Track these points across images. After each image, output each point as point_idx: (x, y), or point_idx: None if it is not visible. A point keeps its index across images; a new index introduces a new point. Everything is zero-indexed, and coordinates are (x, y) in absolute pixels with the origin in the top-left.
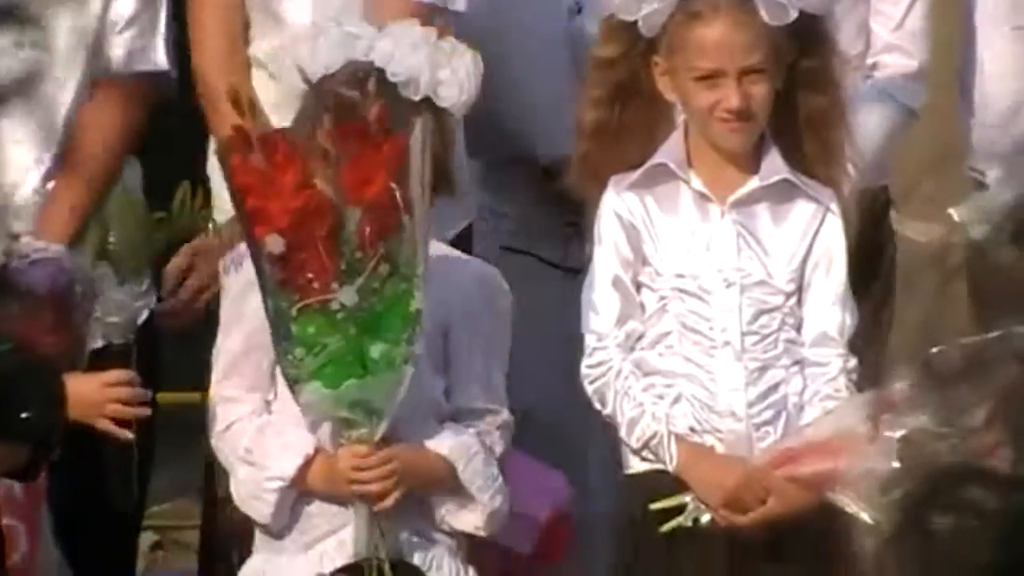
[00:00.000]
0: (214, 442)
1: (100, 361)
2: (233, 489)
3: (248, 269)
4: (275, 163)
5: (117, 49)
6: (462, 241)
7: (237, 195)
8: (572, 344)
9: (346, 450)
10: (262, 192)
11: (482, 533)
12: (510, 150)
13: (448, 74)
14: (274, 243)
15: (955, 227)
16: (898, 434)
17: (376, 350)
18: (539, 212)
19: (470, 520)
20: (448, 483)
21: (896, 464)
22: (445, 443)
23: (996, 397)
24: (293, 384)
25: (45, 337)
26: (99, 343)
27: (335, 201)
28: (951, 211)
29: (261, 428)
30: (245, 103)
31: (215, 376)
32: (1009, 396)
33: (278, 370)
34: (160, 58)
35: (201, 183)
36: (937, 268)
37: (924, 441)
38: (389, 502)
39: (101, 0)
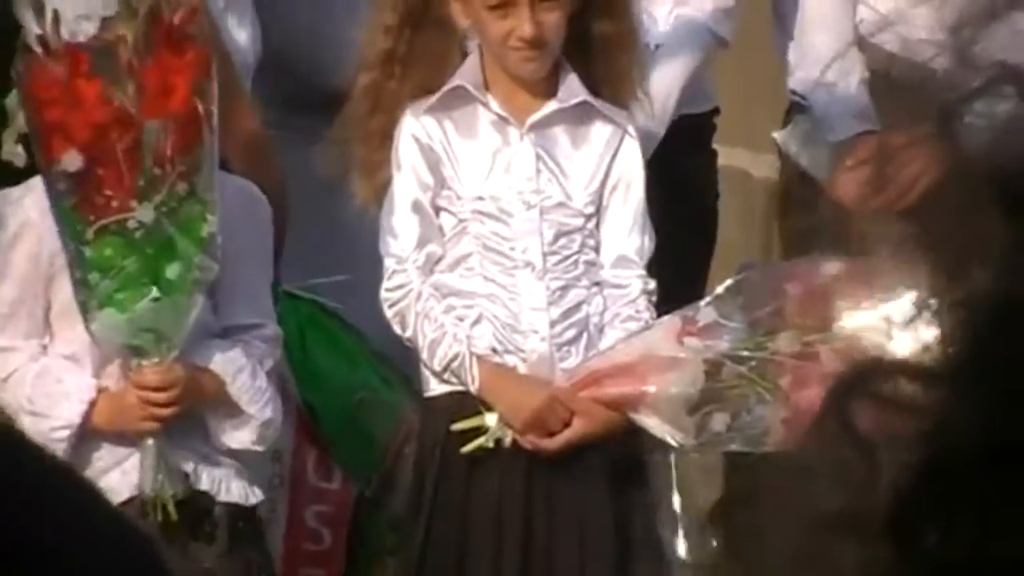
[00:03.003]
0: None
1: None
2: None
3: (16, 217)
4: (77, 74)
5: None
6: None
7: (34, 108)
8: None
9: (136, 377)
10: (63, 105)
11: (257, 448)
12: (304, 81)
13: None
14: (71, 160)
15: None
16: (702, 358)
17: (172, 270)
18: None
19: (244, 437)
20: (220, 397)
21: (700, 387)
22: (213, 359)
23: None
24: (85, 313)
25: None
26: None
27: (136, 114)
28: (775, 135)
29: (40, 375)
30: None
31: None
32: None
33: (52, 314)
34: None
35: None
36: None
37: (727, 364)
38: (171, 411)
39: None
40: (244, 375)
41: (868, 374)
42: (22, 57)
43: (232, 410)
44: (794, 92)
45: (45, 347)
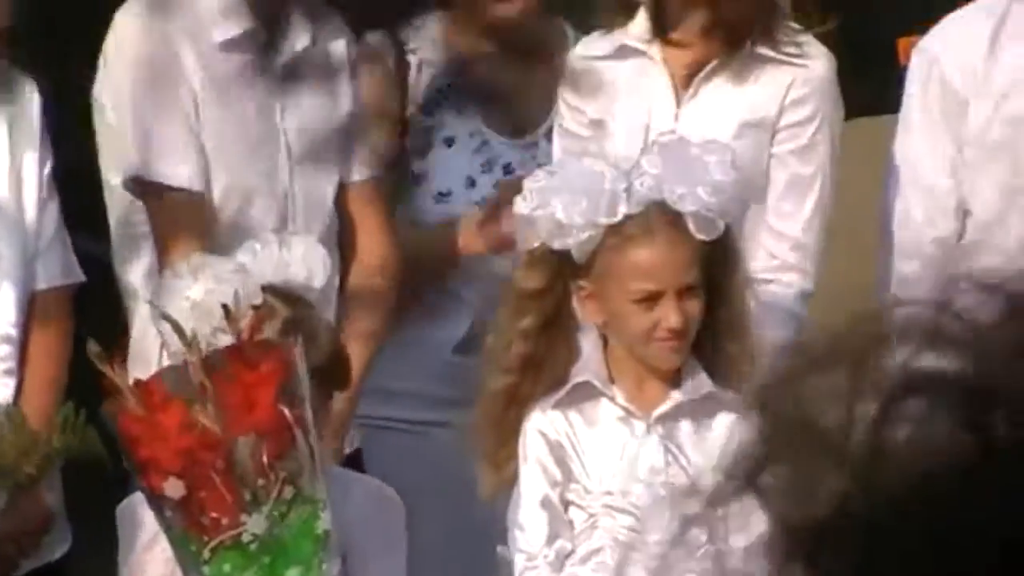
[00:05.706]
0: None
1: None
2: None
3: (148, 523)
4: (153, 407)
5: (49, 265)
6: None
7: (127, 448)
8: None
9: None
10: (148, 439)
11: None
12: None
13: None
14: (173, 488)
15: None
16: None
17: (292, 575)
18: None
19: None
20: None
21: None
22: None
23: None
24: None
25: None
26: None
27: (222, 434)
28: None
29: None
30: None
31: None
32: None
33: None
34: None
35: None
36: None
37: None
38: None
39: (33, 216)
40: None
41: None
42: (110, 402)
43: None
44: None
45: None
